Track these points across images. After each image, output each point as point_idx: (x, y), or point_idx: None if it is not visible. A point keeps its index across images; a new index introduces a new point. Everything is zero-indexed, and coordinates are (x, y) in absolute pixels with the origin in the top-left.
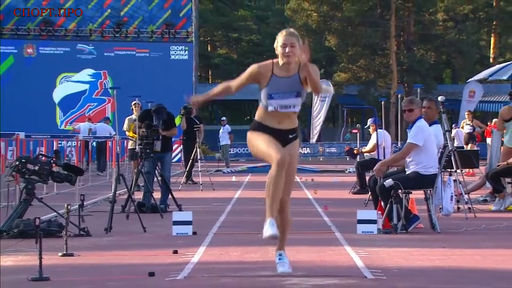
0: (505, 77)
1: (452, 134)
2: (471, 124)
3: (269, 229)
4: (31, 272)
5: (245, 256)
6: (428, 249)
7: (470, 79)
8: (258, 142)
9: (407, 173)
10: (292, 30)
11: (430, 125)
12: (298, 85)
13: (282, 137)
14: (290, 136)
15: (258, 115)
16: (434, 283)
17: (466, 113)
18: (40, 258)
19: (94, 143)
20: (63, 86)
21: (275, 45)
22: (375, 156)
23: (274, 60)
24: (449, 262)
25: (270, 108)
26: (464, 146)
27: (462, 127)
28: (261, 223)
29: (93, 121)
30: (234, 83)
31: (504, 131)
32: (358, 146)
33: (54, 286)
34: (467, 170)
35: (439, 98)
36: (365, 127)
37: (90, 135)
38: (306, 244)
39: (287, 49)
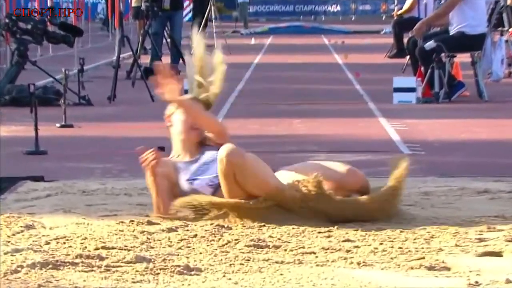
0: None
1: None
2: None
3: None
4: (26, 145)
5: (265, 129)
6: (473, 119)
7: None
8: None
9: (450, 33)
10: None
11: None
12: None
13: None
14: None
15: None
16: (479, 157)
17: None
18: (36, 129)
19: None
20: None
21: None
22: (415, 15)
23: None
24: (496, 134)
25: None
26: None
27: None
28: (284, 91)
29: None
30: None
31: None
32: (396, 4)
33: (52, 161)
34: None
35: None
36: None
37: None
38: (335, 116)
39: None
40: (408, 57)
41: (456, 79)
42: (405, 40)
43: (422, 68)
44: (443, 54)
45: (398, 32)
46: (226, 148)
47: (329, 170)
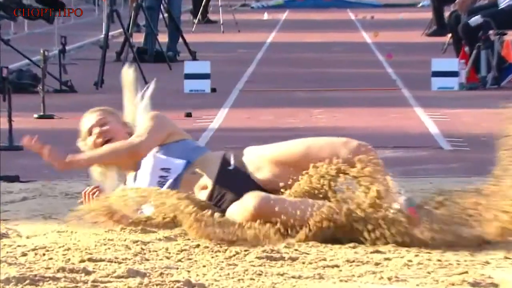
0: None
1: None
2: None
3: None
4: None
5: (280, 121)
6: None
7: None
8: None
9: (500, 6)
10: None
11: None
12: None
13: None
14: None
15: None
16: None
17: None
18: (10, 121)
19: None
20: None
21: None
22: None
23: None
24: None
25: None
26: None
27: None
28: (302, 76)
29: None
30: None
31: None
32: None
33: (29, 158)
34: None
35: None
36: None
37: None
38: (364, 105)
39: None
40: (449, 35)
41: (506, 61)
42: (446, 15)
43: (467, 48)
44: (491, 32)
45: (438, 5)
46: (253, 199)
47: (333, 146)
